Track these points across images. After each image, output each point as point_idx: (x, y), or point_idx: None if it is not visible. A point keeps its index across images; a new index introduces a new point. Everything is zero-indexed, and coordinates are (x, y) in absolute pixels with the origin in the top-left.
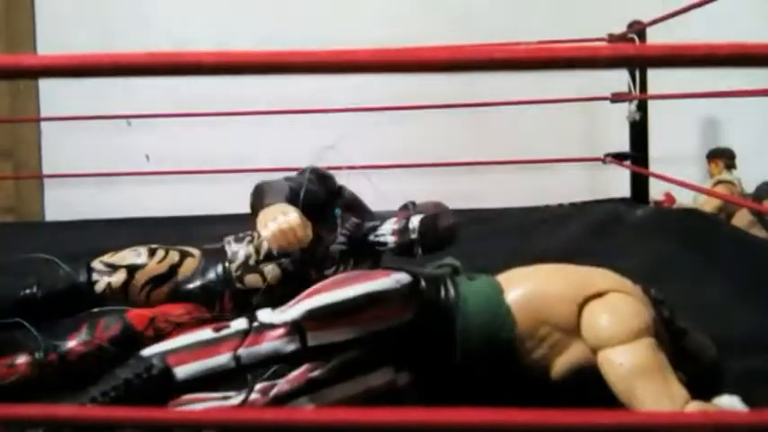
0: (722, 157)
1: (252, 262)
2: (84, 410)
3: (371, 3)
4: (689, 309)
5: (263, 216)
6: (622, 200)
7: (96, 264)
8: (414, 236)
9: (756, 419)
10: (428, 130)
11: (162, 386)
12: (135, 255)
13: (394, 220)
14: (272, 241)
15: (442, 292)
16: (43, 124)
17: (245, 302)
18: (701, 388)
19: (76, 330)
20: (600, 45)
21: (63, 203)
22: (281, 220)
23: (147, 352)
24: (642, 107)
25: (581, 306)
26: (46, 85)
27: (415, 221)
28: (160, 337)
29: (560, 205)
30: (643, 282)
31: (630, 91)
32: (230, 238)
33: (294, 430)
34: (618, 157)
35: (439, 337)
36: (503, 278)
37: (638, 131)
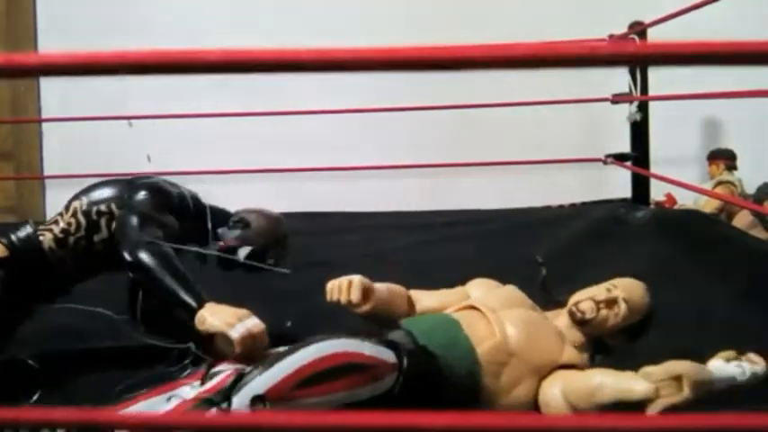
0: (723, 157)
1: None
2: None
3: (371, 3)
4: (689, 310)
5: (224, 315)
6: (623, 201)
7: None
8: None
9: (756, 423)
10: (429, 130)
11: None
12: None
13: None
14: (239, 343)
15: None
16: (44, 125)
17: None
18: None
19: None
20: (600, 43)
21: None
22: (250, 326)
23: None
24: (643, 108)
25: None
26: (47, 86)
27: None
28: None
29: (561, 206)
30: (645, 282)
31: (631, 92)
32: None
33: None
34: (619, 158)
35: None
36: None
37: (639, 132)
